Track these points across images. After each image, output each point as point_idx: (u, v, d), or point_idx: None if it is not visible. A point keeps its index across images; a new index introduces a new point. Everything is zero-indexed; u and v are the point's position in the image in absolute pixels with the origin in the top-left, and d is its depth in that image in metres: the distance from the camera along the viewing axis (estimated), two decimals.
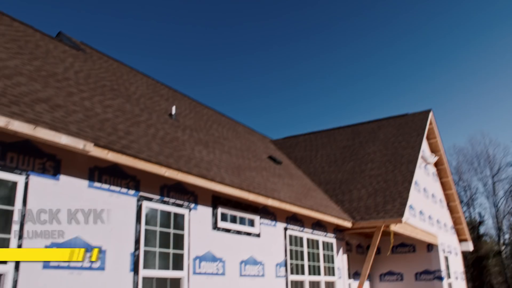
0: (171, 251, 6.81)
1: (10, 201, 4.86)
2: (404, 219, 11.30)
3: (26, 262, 4.85)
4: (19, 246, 4.81)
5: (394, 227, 11.64)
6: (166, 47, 66.93)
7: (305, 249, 10.54)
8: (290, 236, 10.05)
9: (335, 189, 13.89)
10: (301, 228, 10.56)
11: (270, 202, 8.76)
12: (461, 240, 19.66)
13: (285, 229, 9.91)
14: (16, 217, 4.85)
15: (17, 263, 4.77)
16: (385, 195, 12.58)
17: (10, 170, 4.89)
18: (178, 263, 6.89)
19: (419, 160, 14.24)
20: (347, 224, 11.75)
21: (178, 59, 68.29)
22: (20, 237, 4.85)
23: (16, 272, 4.74)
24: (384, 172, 13.92)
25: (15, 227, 4.82)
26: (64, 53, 9.43)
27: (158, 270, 6.50)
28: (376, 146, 15.80)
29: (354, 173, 14.53)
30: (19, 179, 4.96)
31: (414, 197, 13.91)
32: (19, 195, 4.92)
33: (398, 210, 11.58)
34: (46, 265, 5.07)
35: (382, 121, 17.78)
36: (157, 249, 6.58)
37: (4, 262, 4.68)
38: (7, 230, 4.78)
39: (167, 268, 6.68)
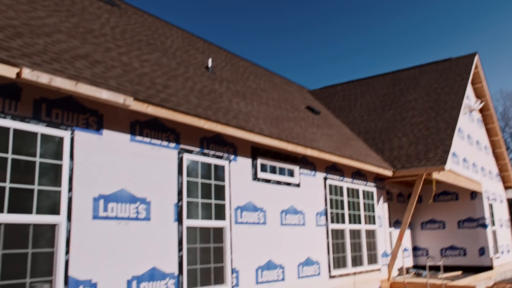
0: (213, 201, 6.98)
1: (59, 156, 5.05)
2: (446, 166, 11.07)
3: (76, 213, 5.09)
4: (70, 198, 5.04)
5: (437, 175, 11.44)
6: (202, 2, 65.96)
7: (345, 198, 10.57)
8: (330, 186, 10.08)
9: (375, 138, 13.69)
10: (341, 178, 10.55)
11: (309, 152, 8.74)
12: (507, 187, 19.18)
13: (325, 178, 9.93)
14: (65, 171, 5.06)
15: (69, 214, 5.01)
16: (427, 143, 12.30)
17: (56, 126, 5.05)
18: (220, 213, 7.07)
19: (463, 106, 13.74)
20: (388, 173, 11.64)
21: (215, 15, 67.34)
22: (70, 190, 5.07)
23: (69, 222, 5.00)
24: (426, 119, 13.55)
25: (65, 181, 5.03)
26: (100, 9, 9.45)
27: (201, 220, 6.70)
28: (418, 93, 15.32)
29: (395, 122, 14.23)
30: (65, 134, 5.12)
31: (458, 144, 13.55)
32: (66, 150, 5.11)
33: (440, 158, 11.33)
34: (96, 215, 5.30)
35: (424, 67, 17.13)
36: (199, 200, 6.75)
37: (57, 213, 4.93)
38: (58, 183, 5.00)
39: (209, 218, 6.88)
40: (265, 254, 7.84)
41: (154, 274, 5.85)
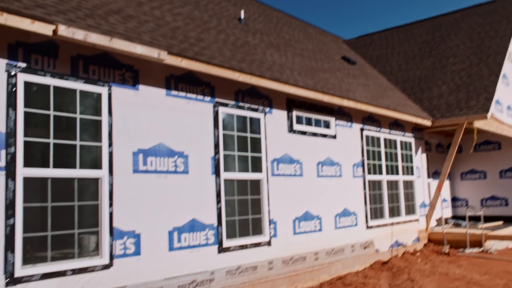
0: (249, 154, 7.03)
1: (97, 112, 5.16)
2: (489, 115, 10.68)
3: (117, 168, 5.24)
4: (110, 153, 5.18)
5: (478, 124, 11.07)
6: None
7: (382, 149, 10.43)
8: (367, 137, 9.94)
9: (413, 88, 13.28)
10: (378, 129, 10.37)
11: (345, 103, 8.59)
12: None
13: (362, 129, 9.79)
14: (104, 126, 5.17)
15: (110, 169, 5.17)
16: (469, 91, 11.85)
17: (94, 82, 5.12)
18: (256, 166, 7.13)
19: (509, 51, 13.05)
20: (426, 122, 11.35)
21: None
22: (110, 145, 5.20)
23: (110, 176, 5.16)
24: (468, 66, 12.98)
25: (104, 136, 5.16)
26: None
27: (238, 172, 6.79)
28: (459, 39, 14.62)
29: (434, 69, 13.71)
30: (103, 90, 5.20)
31: (502, 91, 12.98)
32: (104, 106, 5.20)
33: (483, 106, 10.93)
34: (136, 169, 5.45)
35: (467, 11, 16.24)
36: (236, 153, 6.81)
37: (100, 168, 5.09)
38: (98, 139, 5.13)
39: (246, 170, 6.95)
40: (302, 206, 7.92)
41: (194, 225, 6.03)
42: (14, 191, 4.35)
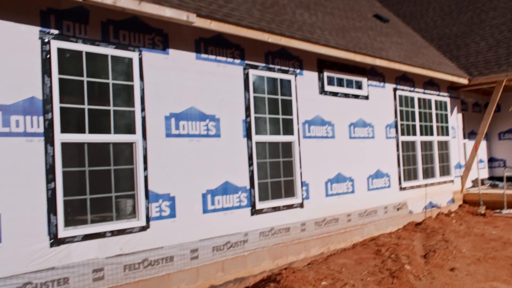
0: (280, 116, 6.99)
1: (129, 77, 5.19)
2: None
3: (150, 132, 5.31)
4: (143, 118, 5.24)
5: None
6: None
7: (416, 110, 10.18)
8: (400, 97, 9.70)
9: (449, 45, 12.78)
10: (412, 88, 10.09)
11: (378, 62, 8.36)
12: None
13: (395, 89, 9.55)
14: (136, 91, 5.21)
15: (144, 133, 5.24)
16: (509, 46, 11.31)
17: (124, 47, 5.13)
18: (288, 128, 7.09)
19: None
20: (463, 81, 10.96)
21: None
22: (143, 109, 5.25)
23: (144, 140, 5.24)
24: (509, 19, 12.34)
25: (137, 101, 5.21)
26: None
27: (269, 135, 6.77)
28: None
29: (472, 25, 13.11)
30: (133, 55, 5.21)
31: None
32: (136, 71, 5.22)
33: None
34: (168, 133, 5.51)
35: None
36: (267, 116, 6.78)
37: (133, 132, 5.16)
38: (131, 104, 5.19)
39: (277, 133, 6.93)
40: (334, 167, 7.89)
41: (227, 188, 6.10)
42: (53, 156, 4.48)
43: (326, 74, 7.87)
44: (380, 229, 8.70)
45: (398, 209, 9.26)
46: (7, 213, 4.15)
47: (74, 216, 4.79)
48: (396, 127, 9.49)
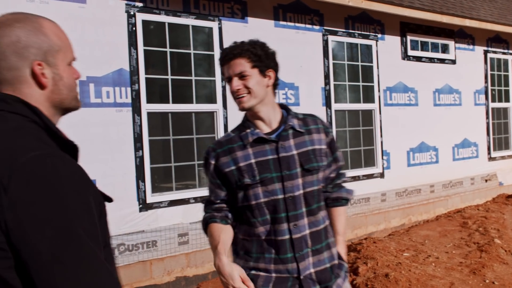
0: (360, 84, 6.76)
1: (210, 46, 5.24)
2: None
3: (230, 101, 5.36)
4: (223, 87, 5.29)
5: None
6: None
7: (511, 74, 9.39)
8: (492, 60, 8.99)
9: None
10: (505, 50, 9.30)
11: (468, 22, 7.76)
12: None
13: (485, 52, 8.85)
14: (217, 60, 5.26)
15: (225, 103, 5.30)
16: None
17: (204, 17, 5.17)
18: (368, 96, 6.86)
19: None
20: None
21: None
22: (223, 79, 5.30)
23: (225, 110, 5.31)
24: None
25: (217, 71, 5.26)
26: None
27: (349, 103, 6.60)
28: None
29: None
30: (213, 25, 5.24)
31: None
32: (216, 40, 5.26)
33: None
34: None
35: None
36: (347, 83, 6.58)
37: (214, 102, 5.25)
38: (212, 73, 5.25)
39: (358, 101, 6.72)
40: (417, 136, 7.54)
41: None
42: (140, 125, 4.69)
43: (409, 38, 7.45)
44: (466, 201, 8.27)
45: (486, 181, 8.73)
46: (100, 179, 4.43)
47: (160, 183, 5.02)
48: (486, 93, 8.84)
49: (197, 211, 5.07)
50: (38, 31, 1.18)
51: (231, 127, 5.29)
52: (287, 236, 1.95)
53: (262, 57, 2.01)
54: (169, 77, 4.94)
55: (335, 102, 6.41)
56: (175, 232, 4.92)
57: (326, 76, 6.30)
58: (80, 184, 1.10)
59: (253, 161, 1.98)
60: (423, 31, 7.66)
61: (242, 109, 2.00)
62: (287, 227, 1.96)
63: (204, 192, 5.16)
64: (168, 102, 4.95)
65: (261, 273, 1.98)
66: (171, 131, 5.00)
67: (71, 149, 1.21)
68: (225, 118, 5.30)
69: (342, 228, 2.18)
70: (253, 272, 1.99)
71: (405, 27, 7.38)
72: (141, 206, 4.70)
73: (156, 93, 5.10)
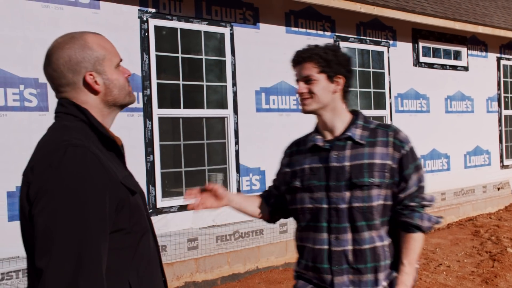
0: (371, 90, 6.73)
1: (221, 52, 5.26)
2: None
3: (241, 107, 5.37)
4: (234, 93, 5.31)
5: None
6: None
7: None
8: (504, 67, 8.91)
9: None
10: None
11: (481, 29, 7.70)
12: None
13: (498, 59, 8.78)
14: (228, 66, 5.28)
15: (235, 108, 5.31)
16: None
17: (216, 23, 5.20)
18: (379, 102, 6.83)
19: None
20: None
21: None
22: (234, 84, 5.32)
23: (235, 115, 5.32)
24: None
25: (228, 76, 5.28)
26: None
27: (361, 110, 6.58)
28: None
29: None
30: (225, 31, 5.26)
31: None
32: (227, 46, 5.27)
33: None
34: (259, 108, 5.54)
35: None
36: (357, 89, 6.56)
37: (225, 107, 5.26)
38: (223, 79, 5.27)
39: (369, 107, 6.70)
40: (428, 143, 7.49)
41: None
42: (151, 130, 4.71)
43: (421, 44, 7.42)
44: (478, 210, 8.18)
45: (498, 189, 8.63)
46: None
47: (170, 188, 5.03)
48: (498, 100, 8.76)
49: (207, 216, 5.07)
50: (84, 47, 1.38)
51: (241, 132, 5.31)
52: (325, 247, 1.92)
53: (332, 62, 1.96)
54: (181, 82, 4.97)
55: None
56: (184, 237, 4.93)
57: None
58: (94, 173, 1.23)
59: (307, 166, 2.01)
60: (435, 38, 7.62)
61: (303, 111, 2.03)
62: (327, 237, 1.92)
63: None
64: (179, 107, 4.97)
65: (301, 280, 2.04)
66: (182, 136, 5.02)
67: (112, 144, 1.41)
68: (236, 124, 5.31)
69: (408, 257, 1.92)
70: (297, 275, 2.07)
71: (417, 33, 7.36)
72: (151, 210, 4.71)
73: (168, 98, 5.13)
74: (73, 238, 1.15)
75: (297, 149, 2.13)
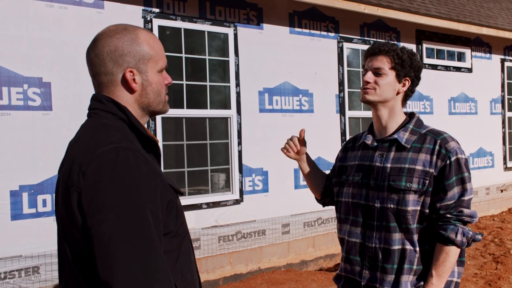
0: None
1: (225, 52, 5.26)
2: None
3: (244, 107, 5.37)
4: (237, 93, 5.30)
5: None
6: None
7: None
8: (508, 68, 8.88)
9: None
10: None
11: (485, 31, 7.68)
12: None
13: (502, 61, 8.75)
14: (231, 67, 5.27)
15: (238, 108, 5.31)
16: None
17: (220, 23, 5.19)
18: None
19: None
20: None
21: None
22: (237, 85, 5.31)
23: (239, 115, 5.31)
24: None
25: (232, 76, 5.27)
26: None
27: (363, 111, 6.56)
28: None
29: None
30: (229, 31, 5.26)
31: None
32: (231, 46, 5.27)
33: None
34: (262, 108, 5.53)
35: None
36: (360, 91, 6.55)
37: (228, 107, 5.26)
38: (226, 79, 5.27)
39: (368, 108, 6.68)
40: None
41: (318, 164, 6.02)
42: (154, 130, 4.71)
43: (425, 45, 7.40)
44: (481, 212, 8.16)
45: (502, 191, 8.60)
46: None
47: None
48: (502, 102, 8.74)
49: (209, 216, 5.07)
50: (133, 41, 1.33)
51: (244, 133, 5.30)
52: (358, 240, 2.00)
53: (405, 63, 2.00)
54: (184, 82, 4.97)
55: (349, 109, 6.38)
56: None
57: (341, 83, 6.28)
58: (147, 177, 1.19)
59: (356, 162, 2.10)
60: (439, 39, 7.60)
61: (362, 100, 2.05)
62: (360, 231, 2.00)
63: (216, 198, 5.17)
64: (182, 107, 4.97)
65: (339, 269, 2.15)
66: (185, 136, 5.02)
67: (152, 145, 1.36)
68: (239, 124, 5.31)
69: (437, 269, 1.88)
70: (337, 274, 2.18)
71: (421, 34, 7.34)
72: None
73: (171, 98, 5.13)
74: (137, 247, 1.10)
75: (352, 145, 2.23)
